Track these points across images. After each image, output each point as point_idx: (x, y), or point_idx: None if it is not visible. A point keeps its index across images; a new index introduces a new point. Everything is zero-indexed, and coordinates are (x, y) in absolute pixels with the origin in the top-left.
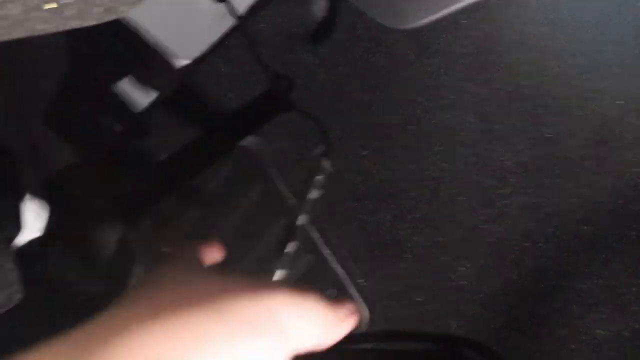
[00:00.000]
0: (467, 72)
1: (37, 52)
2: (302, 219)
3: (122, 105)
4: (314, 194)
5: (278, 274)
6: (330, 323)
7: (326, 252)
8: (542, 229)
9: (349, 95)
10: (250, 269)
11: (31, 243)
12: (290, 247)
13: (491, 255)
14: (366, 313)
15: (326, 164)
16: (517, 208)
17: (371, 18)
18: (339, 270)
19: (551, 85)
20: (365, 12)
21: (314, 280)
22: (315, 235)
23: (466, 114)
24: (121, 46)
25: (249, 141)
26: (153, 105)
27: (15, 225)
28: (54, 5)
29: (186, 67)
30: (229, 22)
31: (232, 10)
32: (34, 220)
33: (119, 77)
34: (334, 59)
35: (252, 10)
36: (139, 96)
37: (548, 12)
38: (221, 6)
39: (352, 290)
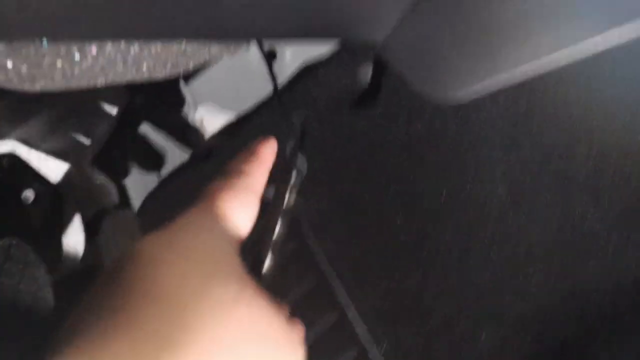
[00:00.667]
0: (502, 148)
1: (96, 101)
2: (280, 226)
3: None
4: (291, 198)
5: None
6: None
7: (352, 314)
8: (564, 307)
9: (385, 162)
10: None
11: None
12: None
13: (513, 328)
14: None
15: (302, 160)
16: (540, 284)
17: (414, 89)
18: (361, 329)
19: (582, 165)
20: (408, 83)
21: (336, 338)
22: (341, 294)
23: (497, 188)
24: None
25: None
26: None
27: (57, 258)
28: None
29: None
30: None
31: (273, 77)
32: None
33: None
34: (375, 127)
35: (298, 76)
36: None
37: (584, 96)
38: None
39: (373, 353)
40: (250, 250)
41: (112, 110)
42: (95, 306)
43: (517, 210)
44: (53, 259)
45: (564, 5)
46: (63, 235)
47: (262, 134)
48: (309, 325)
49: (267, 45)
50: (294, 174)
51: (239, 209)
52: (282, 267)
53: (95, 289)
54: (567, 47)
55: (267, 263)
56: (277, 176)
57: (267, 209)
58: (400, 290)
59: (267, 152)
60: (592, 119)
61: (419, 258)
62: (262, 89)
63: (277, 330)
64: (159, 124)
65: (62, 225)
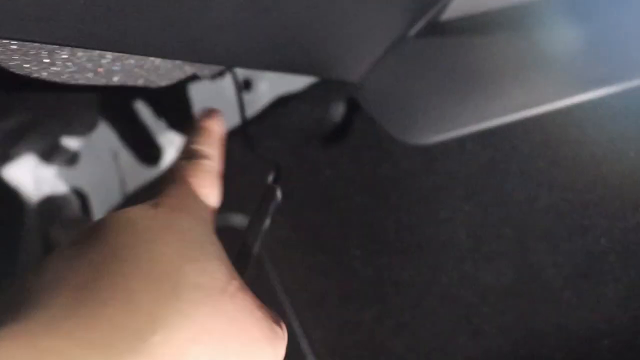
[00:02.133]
0: (465, 193)
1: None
2: (256, 248)
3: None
4: (266, 223)
5: None
6: None
7: (304, 345)
8: (516, 351)
9: (350, 197)
10: None
11: None
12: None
13: None
14: None
15: (278, 192)
16: (494, 327)
17: (384, 129)
18: None
19: (541, 216)
20: (379, 123)
21: None
22: (296, 325)
23: (458, 232)
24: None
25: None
26: None
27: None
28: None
29: None
30: (250, 111)
31: (241, 107)
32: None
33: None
34: (342, 162)
35: (271, 106)
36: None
37: (548, 149)
38: (246, 95)
39: None
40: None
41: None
42: (60, 272)
43: (475, 255)
44: (7, 271)
45: (536, 67)
46: (20, 246)
47: (230, 159)
48: None
49: (243, 74)
50: (272, 204)
51: (211, 190)
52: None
53: (63, 251)
54: (537, 107)
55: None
56: (257, 205)
57: (244, 235)
58: (355, 324)
59: (217, 127)
60: (555, 172)
61: (376, 294)
62: (234, 116)
63: (259, 328)
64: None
65: (20, 236)
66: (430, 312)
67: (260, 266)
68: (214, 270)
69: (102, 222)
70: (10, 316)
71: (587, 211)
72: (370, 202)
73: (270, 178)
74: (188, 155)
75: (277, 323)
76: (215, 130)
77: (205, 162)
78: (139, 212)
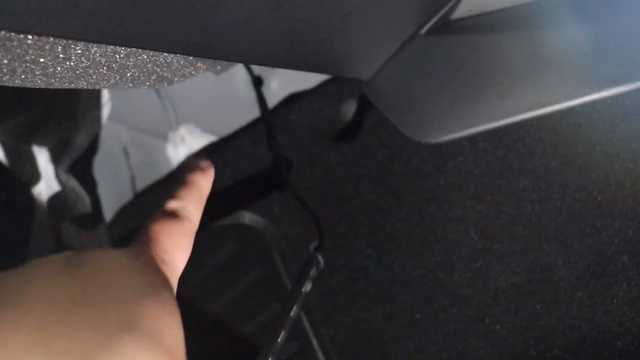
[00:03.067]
0: (476, 191)
1: (78, 106)
2: (295, 309)
3: None
4: (307, 287)
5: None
6: None
7: (314, 342)
8: (527, 351)
9: (361, 195)
10: (236, 344)
11: None
12: (281, 337)
13: None
14: None
15: (320, 258)
16: (505, 327)
17: (396, 127)
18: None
19: (554, 216)
20: (391, 121)
21: None
22: (305, 323)
23: (469, 230)
24: None
25: (258, 222)
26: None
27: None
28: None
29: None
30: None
31: (261, 102)
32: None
33: None
34: (354, 159)
35: (282, 103)
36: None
37: (560, 149)
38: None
39: None
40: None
41: (94, 118)
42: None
43: (487, 254)
44: (17, 263)
45: (548, 66)
46: (30, 238)
47: (242, 157)
48: (272, 352)
49: (254, 72)
50: (314, 271)
51: (184, 253)
52: (250, 292)
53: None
54: (549, 106)
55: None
56: (300, 270)
57: (285, 299)
58: (365, 323)
59: (206, 184)
60: (567, 171)
61: (387, 293)
62: (245, 114)
63: None
64: None
65: (30, 232)
66: (441, 312)
67: (272, 264)
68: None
69: (85, 258)
70: None
71: (599, 211)
72: (381, 201)
73: (313, 246)
74: (169, 212)
75: None
76: (203, 189)
77: (186, 224)
78: (108, 260)
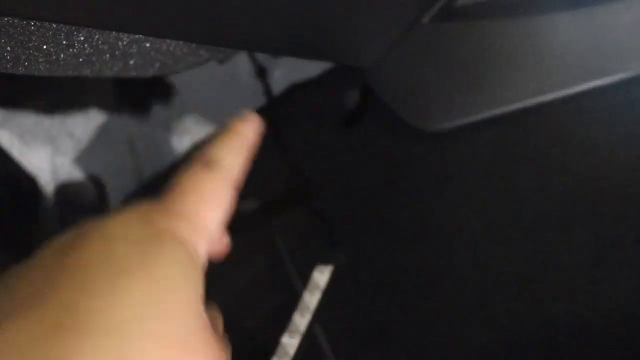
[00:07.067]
0: (479, 179)
1: (85, 97)
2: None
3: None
4: (322, 281)
5: None
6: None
7: (317, 330)
8: (529, 338)
9: (363, 184)
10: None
11: None
12: (285, 338)
13: (476, 358)
14: None
15: (338, 256)
16: (508, 315)
17: (398, 115)
18: (326, 348)
19: (556, 202)
20: (393, 109)
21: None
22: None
23: (471, 218)
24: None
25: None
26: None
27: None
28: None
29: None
30: (263, 99)
31: (267, 90)
32: None
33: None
34: (357, 148)
35: (285, 92)
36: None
37: (562, 135)
38: (258, 83)
39: None
40: None
41: (98, 109)
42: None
43: (489, 241)
44: (23, 255)
45: (551, 53)
46: (37, 230)
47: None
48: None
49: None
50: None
51: (218, 208)
52: (256, 279)
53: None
54: (552, 93)
55: None
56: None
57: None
58: (367, 311)
59: (250, 132)
60: (570, 158)
61: (389, 281)
62: (249, 103)
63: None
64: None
65: (37, 220)
66: (443, 299)
67: (275, 255)
68: (174, 323)
69: (84, 233)
70: None
71: (602, 197)
72: (384, 188)
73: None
74: (207, 159)
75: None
76: (247, 136)
77: (221, 173)
78: (123, 228)
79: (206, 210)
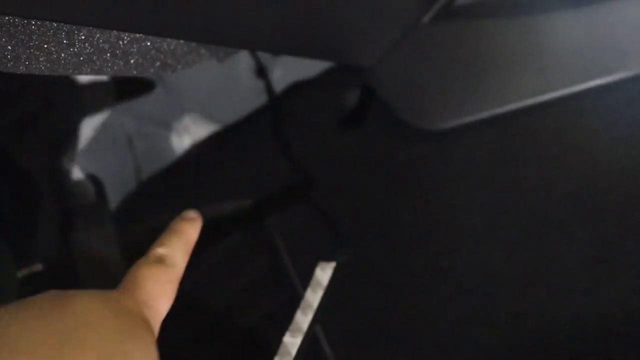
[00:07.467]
0: (480, 179)
1: (78, 93)
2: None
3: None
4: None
5: None
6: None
7: (317, 329)
8: (529, 339)
9: (364, 184)
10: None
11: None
12: (287, 337)
13: (477, 358)
14: None
15: (340, 253)
16: (508, 315)
17: (399, 114)
18: (327, 348)
19: (557, 203)
20: (394, 108)
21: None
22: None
23: (473, 219)
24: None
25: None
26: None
27: (27, 253)
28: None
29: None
30: (264, 99)
31: (268, 88)
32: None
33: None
34: (357, 148)
35: (285, 92)
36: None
37: (563, 135)
38: (259, 82)
39: None
40: None
41: (98, 107)
42: None
43: (490, 243)
44: (23, 253)
45: (551, 52)
46: (36, 229)
47: (247, 145)
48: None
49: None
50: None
51: (167, 301)
52: (256, 281)
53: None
54: (552, 92)
55: None
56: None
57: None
58: (369, 310)
59: (193, 233)
60: (571, 158)
61: (391, 281)
62: (249, 103)
63: None
64: None
65: (36, 223)
66: (445, 300)
67: (277, 254)
68: None
69: (60, 299)
70: None
71: (603, 197)
72: (384, 189)
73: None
74: (156, 258)
75: None
76: (190, 237)
77: (171, 271)
78: (95, 302)
79: (163, 302)
